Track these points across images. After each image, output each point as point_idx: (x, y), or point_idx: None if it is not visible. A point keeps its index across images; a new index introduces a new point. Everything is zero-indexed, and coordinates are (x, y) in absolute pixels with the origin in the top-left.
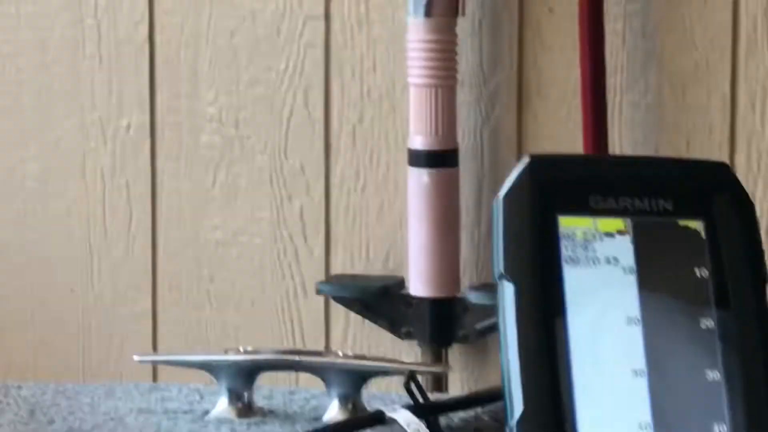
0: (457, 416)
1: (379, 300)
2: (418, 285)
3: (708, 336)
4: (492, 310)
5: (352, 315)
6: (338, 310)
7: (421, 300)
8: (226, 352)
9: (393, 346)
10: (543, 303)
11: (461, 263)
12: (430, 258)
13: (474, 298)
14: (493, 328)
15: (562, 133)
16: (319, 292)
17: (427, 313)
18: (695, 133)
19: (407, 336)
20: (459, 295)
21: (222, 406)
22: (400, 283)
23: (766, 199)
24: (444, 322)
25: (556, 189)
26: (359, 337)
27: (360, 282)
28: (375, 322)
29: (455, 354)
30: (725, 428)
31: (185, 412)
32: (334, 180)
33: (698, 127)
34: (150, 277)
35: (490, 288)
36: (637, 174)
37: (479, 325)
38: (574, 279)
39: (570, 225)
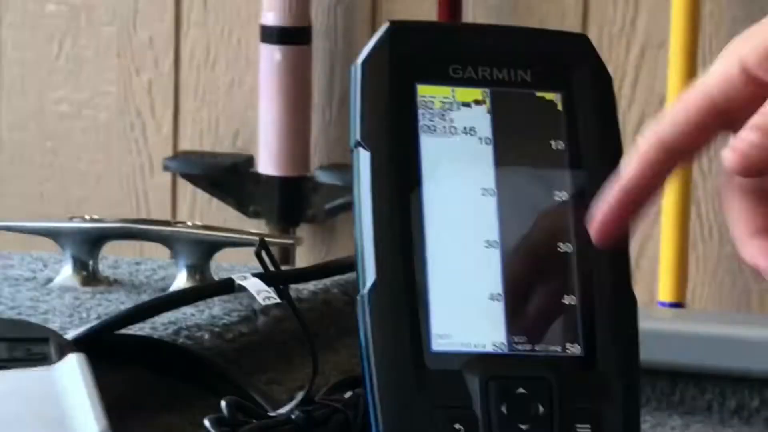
0: (307, 288)
1: (227, 178)
2: (268, 163)
3: (562, 208)
4: (341, 190)
5: (200, 192)
6: (185, 187)
7: (270, 178)
8: (71, 219)
9: (241, 224)
10: (399, 171)
11: (312, 143)
12: (280, 136)
13: (323, 177)
14: (342, 208)
15: (417, 14)
16: (166, 168)
17: (276, 192)
18: (549, 18)
19: (255, 215)
20: (308, 174)
21: (66, 274)
22: (249, 161)
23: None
24: (292, 202)
25: (416, 57)
26: (206, 215)
27: (208, 159)
28: (223, 200)
29: (303, 233)
30: (575, 299)
31: (27, 280)
32: (184, 55)
33: (552, 12)
34: None
35: (339, 168)
36: (497, 44)
37: (328, 205)
38: (431, 148)
39: (428, 94)
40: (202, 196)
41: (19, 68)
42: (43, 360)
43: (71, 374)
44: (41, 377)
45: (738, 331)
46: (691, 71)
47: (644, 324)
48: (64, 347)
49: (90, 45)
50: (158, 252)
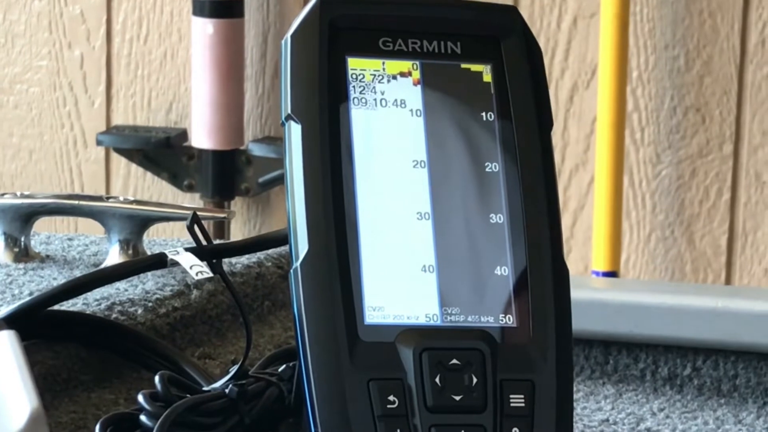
0: (240, 262)
1: (160, 152)
2: (201, 137)
3: (493, 179)
4: (275, 163)
5: (133, 167)
6: (119, 162)
7: (203, 152)
8: (1, 195)
9: (175, 198)
10: (330, 144)
11: (245, 116)
12: (213, 109)
13: (257, 150)
14: (276, 181)
15: None
16: (99, 143)
17: (210, 166)
18: None
19: (189, 189)
20: (242, 147)
21: None
22: (183, 134)
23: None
24: (227, 175)
25: (346, 29)
26: (140, 190)
27: (142, 133)
28: (157, 174)
29: (237, 207)
30: (507, 270)
31: None
32: (116, 27)
33: None
34: None
35: (273, 141)
36: (427, 16)
37: (262, 178)
38: (362, 121)
39: (359, 66)
40: (136, 170)
41: None
42: None
43: (2, 352)
44: None
45: (670, 299)
46: (622, 40)
47: (578, 293)
48: None
49: (21, 19)
50: (92, 228)
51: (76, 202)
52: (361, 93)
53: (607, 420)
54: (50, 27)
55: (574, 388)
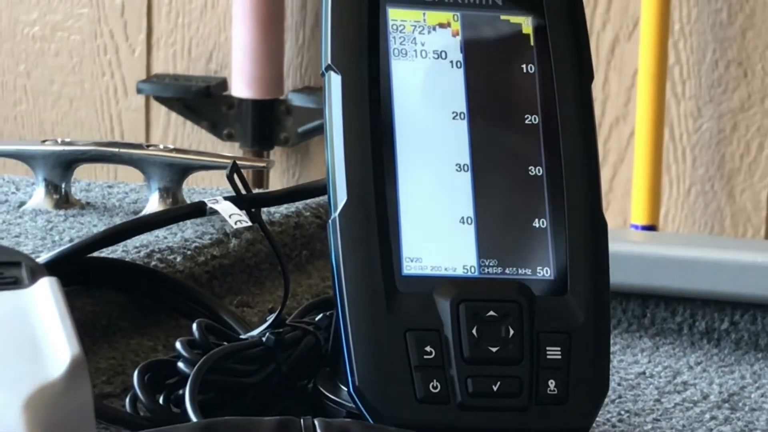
0: (278, 212)
1: (200, 101)
2: (241, 86)
3: (532, 132)
4: (314, 113)
5: (173, 115)
6: (159, 110)
7: (243, 101)
8: (43, 142)
9: (214, 147)
10: (370, 94)
11: (285, 65)
12: (253, 59)
13: (297, 100)
14: (315, 131)
15: None
16: (139, 91)
17: (250, 115)
18: None
19: (229, 138)
20: (282, 97)
21: (38, 197)
22: (223, 83)
23: None
24: (266, 124)
25: None
26: (180, 138)
27: (182, 82)
28: (196, 122)
29: (277, 157)
30: (545, 223)
31: (0, 203)
32: None
33: None
34: None
35: (313, 91)
36: None
37: (301, 128)
38: (402, 71)
39: (399, 17)
40: (175, 119)
41: None
42: (16, 284)
43: (44, 298)
44: (13, 301)
45: (709, 253)
46: None
47: (616, 246)
48: (37, 271)
49: None
50: (132, 176)
51: (117, 149)
52: (401, 44)
53: (644, 373)
54: None
55: (611, 341)
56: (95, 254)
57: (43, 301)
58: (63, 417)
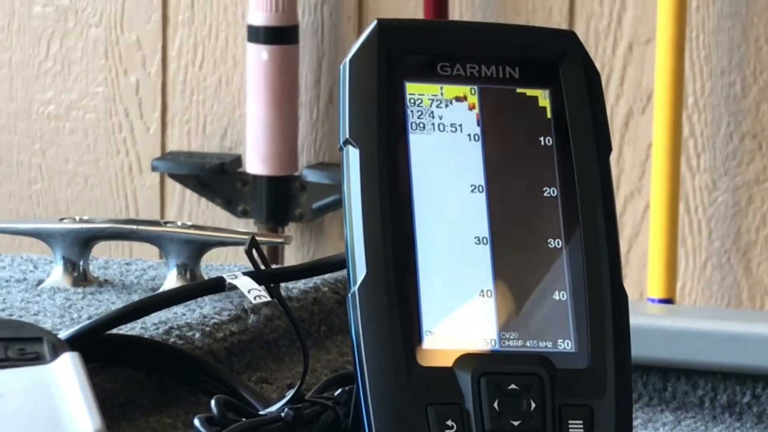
0: (296, 287)
1: (215, 177)
2: (256, 163)
3: (551, 204)
4: (329, 189)
5: (188, 192)
6: (174, 188)
7: (258, 178)
8: (61, 220)
9: (229, 224)
10: (388, 168)
11: (299, 141)
12: (268, 135)
13: (311, 176)
14: (330, 207)
15: (403, 12)
16: (154, 168)
17: (264, 192)
18: (535, 15)
19: (243, 214)
20: (296, 173)
21: (56, 275)
22: (237, 160)
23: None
24: (281, 201)
25: (404, 54)
26: (195, 215)
27: (196, 159)
28: (211, 200)
29: (291, 233)
30: (566, 295)
31: (18, 281)
32: (172, 54)
33: (538, 9)
34: None
35: (327, 167)
36: (484, 41)
37: (316, 204)
38: (420, 145)
39: (417, 91)
40: (190, 196)
41: (6, 69)
42: (38, 359)
43: (66, 373)
44: (36, 376)
45: (729, 326)
46: (678, 66)
47: (635, 320)
48: (58, 346)
49: (77, 46)
50: (147, 253)
51: (135, 226)
52: (419, 117)
53: None
54: (106, 54)
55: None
56: (114, 331)
57: (65, 376)
58: None
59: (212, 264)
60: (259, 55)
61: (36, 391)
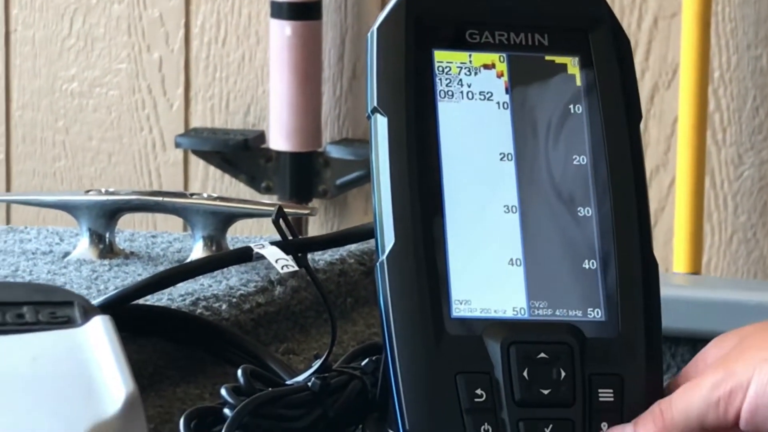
0: (323, 259)
1: (239, 154)
2: (279, 139)
3: (581, 172)
4: (353, 165)
5: (212, 169)
6: (197, 164)
7: (281, 154)
8: (86, 193)
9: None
10: (416, 136)
11: (323, 117)
12: (291, 112)
13: (335, 152)
14: (353, 183)
15: None
16: (177, 145)
17: (288, 168)
18: None
19: (267, 190)
20: (320, 149)
21: (82, 247)
22: (261, 136)
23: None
24: (304, 177)
25: (432, 22)
26: (218, 191)
27: (220, 135)
28: (234, 176)
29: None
30: (595, 264)
31: (45, 254)
32: (195, 30)
33: None
34: (4, 128)
35: (351, 143)
36: (513, 8)
37: (339, 180)
38: (449, 113)
39: (445, 59)
40: (214, 172)
41: (30, 47)
42: (69, 323)
43: (97, 336)
44: (67, 339)
45: (756, 296)
46: (704, 40)
47: (663, 290)
48: (89, 310)
49: (100, 23)
50: (171, 226)
51: (160, 198)
52: (447, 85)
53: None
54: (129, 30)
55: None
56: (141, 302)
57: (97, 339)
58: None
59: (238, 237)
60: (282, 31)
61: (68, 355)
